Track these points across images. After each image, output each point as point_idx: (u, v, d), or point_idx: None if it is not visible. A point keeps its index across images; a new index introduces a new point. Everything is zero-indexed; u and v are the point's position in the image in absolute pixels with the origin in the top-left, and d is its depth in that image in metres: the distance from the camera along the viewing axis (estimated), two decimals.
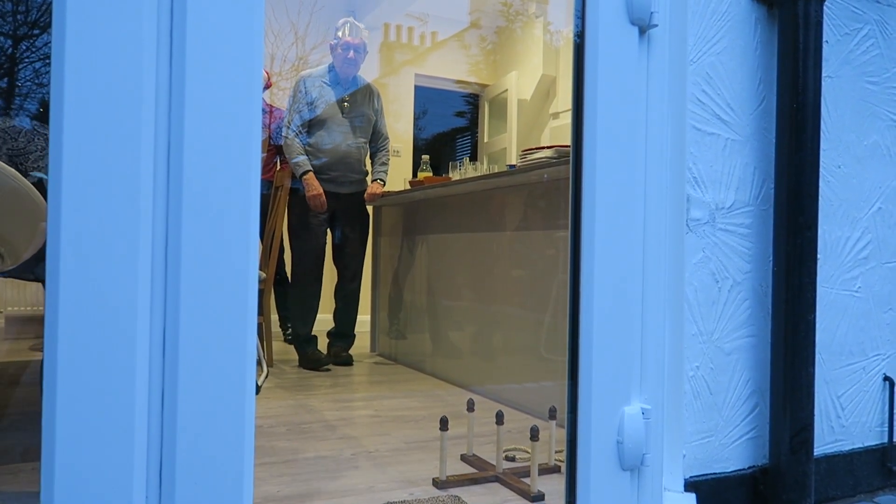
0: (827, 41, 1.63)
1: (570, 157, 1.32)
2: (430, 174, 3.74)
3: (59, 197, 0.86)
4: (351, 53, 3.37)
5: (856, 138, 1.69)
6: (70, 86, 0.86)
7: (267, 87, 3.98)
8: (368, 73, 4.01)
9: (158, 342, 0.92)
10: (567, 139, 1.35)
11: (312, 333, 3.45)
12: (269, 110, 3.98)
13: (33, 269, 2.18)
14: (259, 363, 3.17)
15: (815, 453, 1.59)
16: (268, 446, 2.00)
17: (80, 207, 0.86)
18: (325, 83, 3.42)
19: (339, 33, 3.41)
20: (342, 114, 3.41)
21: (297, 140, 3.36)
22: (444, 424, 1.69)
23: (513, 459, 1.92)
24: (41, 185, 2.20)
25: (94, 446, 0.87)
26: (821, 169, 1.62)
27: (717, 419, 1.49)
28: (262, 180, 3.79)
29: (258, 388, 2.81)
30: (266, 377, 3.09)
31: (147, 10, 0.90)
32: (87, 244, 0.87)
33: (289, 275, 3.65)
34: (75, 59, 0.86)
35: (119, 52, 0.88)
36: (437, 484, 1.68)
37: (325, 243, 3.47)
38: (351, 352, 3.96)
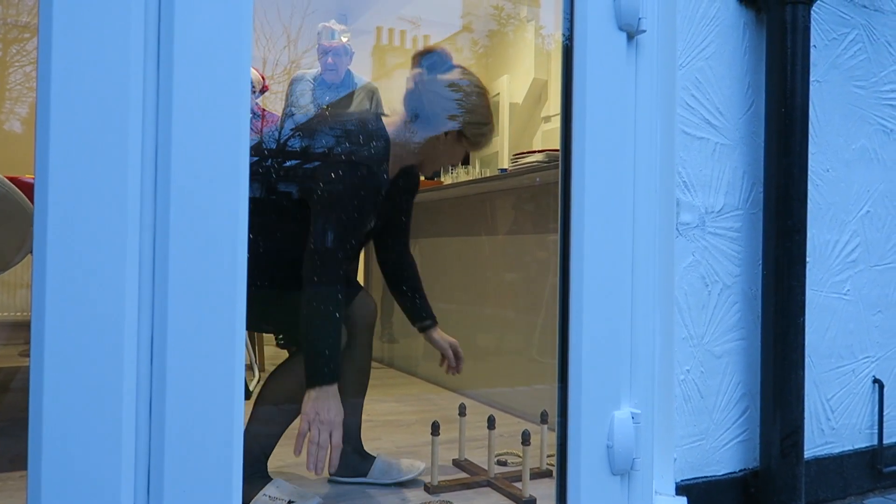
0: (815, 46, 1.65)
1: (560, 162, 1.32)
2: (423, 178, 3.74)
3: (45, 201, 0.85)
4: (329, 59, 3.34)
5: (844, 142, 1.70)
6: (57, 89, 0.85)
7: (263, 90, 3.94)
8: (361, 75, 4.01)
9: (146, 347, 0.92)
10: (559, 143, 1.35)
11: None
12: (261, 114, 3.96)
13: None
14: (250, 368, 3.15)
15: (805, 456, 1.60)
16: None
17: (66, 212, 0.86)
18: (312, 87, 3.40)
19: (319, 39, 3.39)
20: (328, 118, 3.39)
21: None
22: (435, 429, 1.69)
23: (504, 464, 1.92)
24: None
25: (81, 452, 0.86)
26: (809, 173, 1.63)
27: (708, 423, 1.50)
28: None
29: (249, 393, 2.80)
30: (258, 382, 3.08)
31: (135, 15, 0.89)
32: (74, 249, 0.86)
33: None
34: (62, 63, 0.86)
35: (106, 55, 0.88)
36: (429, 489, 1.68)
37: None
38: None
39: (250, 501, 1.66)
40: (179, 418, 0.92)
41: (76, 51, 0.86)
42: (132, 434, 0.90)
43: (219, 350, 0.94)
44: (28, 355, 3.47)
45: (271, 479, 1.74)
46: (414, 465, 1.80)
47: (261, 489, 1.65)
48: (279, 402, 1.86)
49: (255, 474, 1.71)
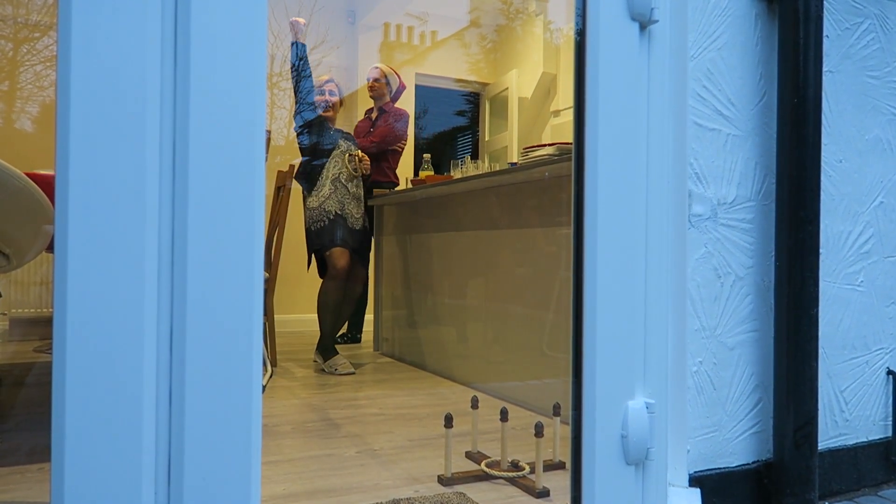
0: (827, 36, 1.64)
1: (573, 154, 1.32)
2: (432, 173, 3.75)
3: (66, 197, 0.86)
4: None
5: (857, 133, 1.70)
6: (76, 87, 0.86)
7: (400, 88, 4.04)
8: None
9: (165, 342, 0.93)
10: (568, 136, 1.35)
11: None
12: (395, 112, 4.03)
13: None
14: (263, 363, 3.17)
15: (818, 447, 1.60)
16: (273, 445, 2.00)
17: (87, 208, 0.87)
18: None
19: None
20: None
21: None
22: (448, 421, 1.70)
23: (517, 466, 1.92)
24: None
25: (103, 447, 0.87)
26: (822, 163, 1.63)
27: (721, 414, 1.50)
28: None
29: (262, 388, 2.82)
30: (271, 377, 3.10)
31: (151, 9, 0.90)
32: (95, 244, 0.87)
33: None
34: (81, 62, 0.86)
35: (124, 49, 0.88)
36: (443, 481, 1.69)
37: None
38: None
39: (325, 363, 3.32)
40: (199, 413, 0.93)
41: (94, 46, 0.87)
42: (152, 430, 0.91)
43: (236, 346, 0.95)
44: (43, 351, 3.51)
45: (338, 353, 3.35)
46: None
47: (331, 359, 3.31)
48: (330, 303, 3.35)
49: (328, 348, 3.35)
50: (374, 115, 4.00)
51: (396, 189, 3.89)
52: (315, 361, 3.42)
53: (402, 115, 3.98)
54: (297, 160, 3.49)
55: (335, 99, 3.57)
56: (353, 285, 3.53)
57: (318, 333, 3.42)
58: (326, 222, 3.38)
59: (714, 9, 1.48)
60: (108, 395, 0.88)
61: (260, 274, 0.97)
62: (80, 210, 0.87)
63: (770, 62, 1.55)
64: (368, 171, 3.60)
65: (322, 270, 3.49)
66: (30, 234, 1.49)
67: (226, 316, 0.95)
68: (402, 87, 4.01)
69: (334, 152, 3.46)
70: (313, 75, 3.55)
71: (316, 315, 3.41)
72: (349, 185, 3.47)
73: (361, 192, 3.55)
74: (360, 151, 3.57)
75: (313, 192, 3.43)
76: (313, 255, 3.51)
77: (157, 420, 0.92)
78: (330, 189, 3.41)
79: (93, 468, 0.87)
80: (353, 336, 4.18)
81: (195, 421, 0.93)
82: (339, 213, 3.40)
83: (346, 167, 3.46)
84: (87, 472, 0.87)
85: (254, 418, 0.97)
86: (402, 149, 4.05)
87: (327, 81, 3.59)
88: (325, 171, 3.42)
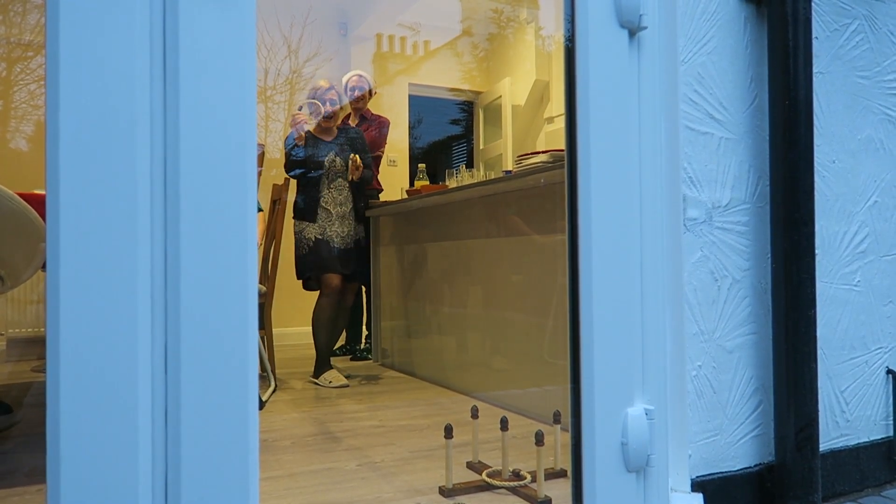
0: (817, 37, 1.64)
1: (565, 162, 1.32)
2: (427, 182, 3.75)
3: (57, 216, 0.86)
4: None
5: (849, 133, 1.70)
6: (65, 108, 0.86)
7: (371, 92, 4.00)
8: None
9: (160, 358, 0.92)
10: (562, 143, 1.35)
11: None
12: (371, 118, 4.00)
13: None
14: (267, 378, 3.16)
15: (820, 449, 1.59)
16: (273, 460, 1.99)
17: (78, 226, 0.86)
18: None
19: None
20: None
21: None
22: (448, 432, 1.69)
23: (518, 474, 1.91)
24: None
25: (98, 466, 0.87)
26: (815, 164, 1.63)
27: (722, 418, 1.49)
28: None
29: (263, 403, 2.81)
30: (273, 392, 3.09)
31: (139, 28, 0.90)
32: (87, 263, 0.87)
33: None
34: (69, 82, 0.86)
35: (113, 72, 0.88)
36: (444, 492, 1.68)
37: None
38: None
39: (318, 378, 3.30)
40: (195, 429, 0.92)
41: (83, 66, 0.87)
42: (149, 444, 0.91)
43: (232, 360, 0.95)
44: (41, 371, 3.49)
45: (331, 366, 3.33)
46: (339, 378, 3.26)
47: (324, 373, 3.29)
48: (323, 319, 3.33)
49: (323, 362, 3.32)
50: (354, 124, 3.90)
51: (392, 199, 3.89)
52: (311, 380, 3.38)
53: (386, 122, 3.96)
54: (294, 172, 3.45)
55: (336, 108, 3.45)
56: (346, 297, 3.52)
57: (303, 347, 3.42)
58: (306, 250, 3.35)
59: (703, 13, 1.49)
60: (102, 414, 0.87)
61: (254, 289, 0.97)
62: (72, 229, 0.86)
63: (760, 65, 1.56)
64: (358, 176, 3.52)
65: (316, 288, 3.47)
66: (24, 255, 1.49)
67: (221, 331, 0.94)
68: (372, 92, 4.02)
69: (322, 174, 3.37)
70: (311, 84, 3.50)
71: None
72: (331, 208, 3.36)
73: (347, 208, 3.43)
74: (356, 157, 3.44)
75: (301, 218, 3.38)
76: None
77: (152, 438, 0.91)
78: (313, 215, 3.35)
79: (89, 489, 0.86)
80: (353, 348, 4.15)
81: (191, 438, 0.92)
82: (321, 237, 3.33)
83: (329, 189, 3.39)
84: (82, 493, 0.86)
85: (251, 433, 0.96)
86: (383, 154, 4.04)
87: (328, 89, 3.46)
88: (321, 197, 3.36)
